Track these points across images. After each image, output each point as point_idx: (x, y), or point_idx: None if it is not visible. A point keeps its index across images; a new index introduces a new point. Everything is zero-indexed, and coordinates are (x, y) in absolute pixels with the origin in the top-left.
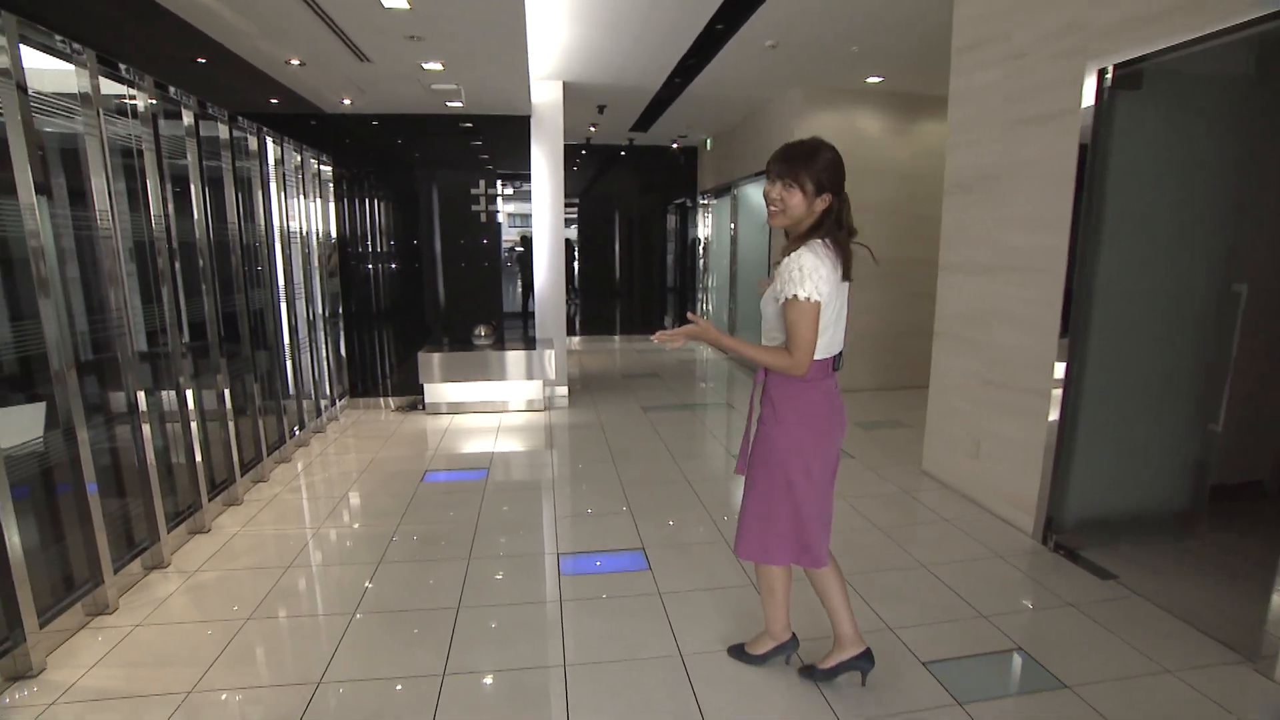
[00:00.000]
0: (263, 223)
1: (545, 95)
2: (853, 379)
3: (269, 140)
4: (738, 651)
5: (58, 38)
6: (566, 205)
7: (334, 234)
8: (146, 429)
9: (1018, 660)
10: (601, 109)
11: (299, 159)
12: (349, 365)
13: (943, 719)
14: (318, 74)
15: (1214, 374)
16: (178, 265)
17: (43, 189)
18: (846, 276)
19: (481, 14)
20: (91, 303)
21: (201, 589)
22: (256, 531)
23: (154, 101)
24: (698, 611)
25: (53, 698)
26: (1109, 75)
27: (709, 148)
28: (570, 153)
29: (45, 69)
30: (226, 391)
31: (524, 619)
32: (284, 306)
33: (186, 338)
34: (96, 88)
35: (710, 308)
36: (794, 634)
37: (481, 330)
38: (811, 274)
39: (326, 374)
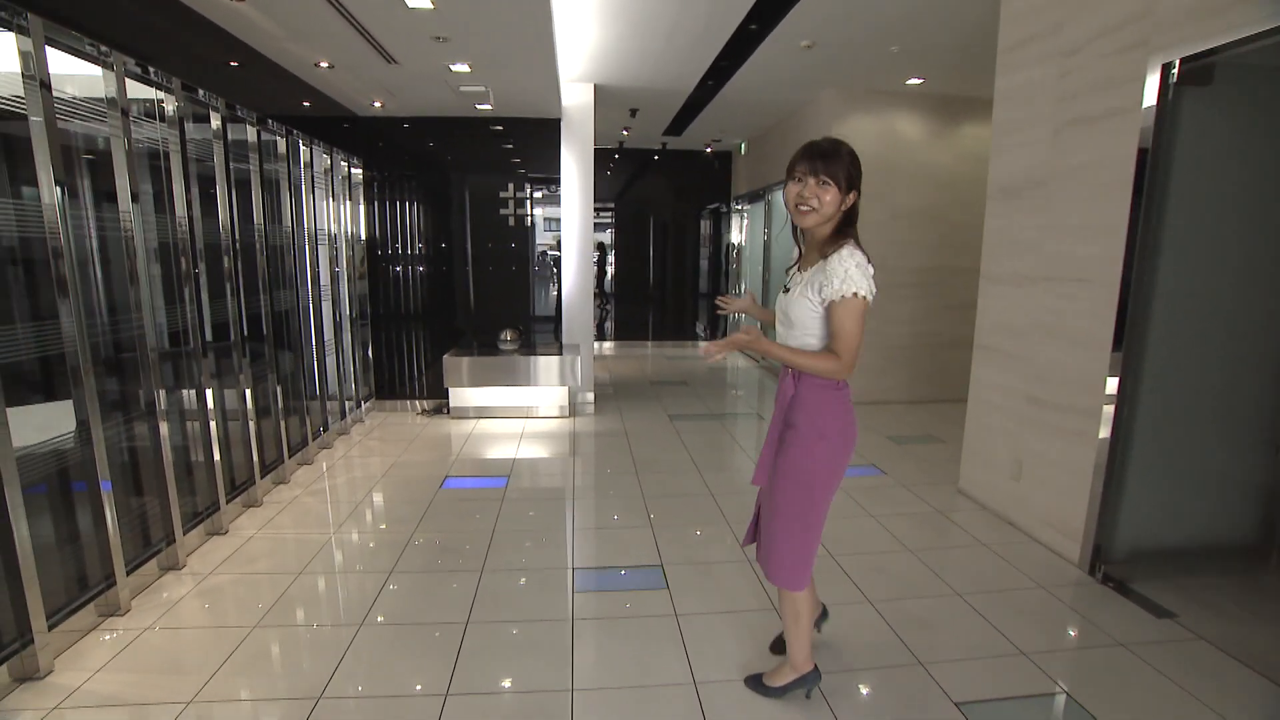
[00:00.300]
0: (291, 224)
1: (576, 98)
2: (885, 391)
3: (300, 143)
4: (755, 683)
5: (86, 41)
6: (601, 209)
7: (364, 236)
8: (164, 428)
9: (1061, 705)
10: (634, 112)
11: (329, 161)
12: (376, 367)
13: None
14: (347, 77)
15: None
16: (201, 266)
17: (67, 188)
18: None
19: (507, 14)
20: (112, 302)
21: (213, 593)
22: (273, 535)
23: (181, 104)
24: (714, 636)
25: (56, 701)
26: (1175, 70)
27: (743, 152)
28: (603, 157)
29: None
30: (248, 392)
31: (534, 637)
32: (310, 308)
33: (209, 337)
34: (123, 90)
35: (741, 316)
36: (816, 666)
37: (507, 335)
38: (865, 272)
39: (352, 376)
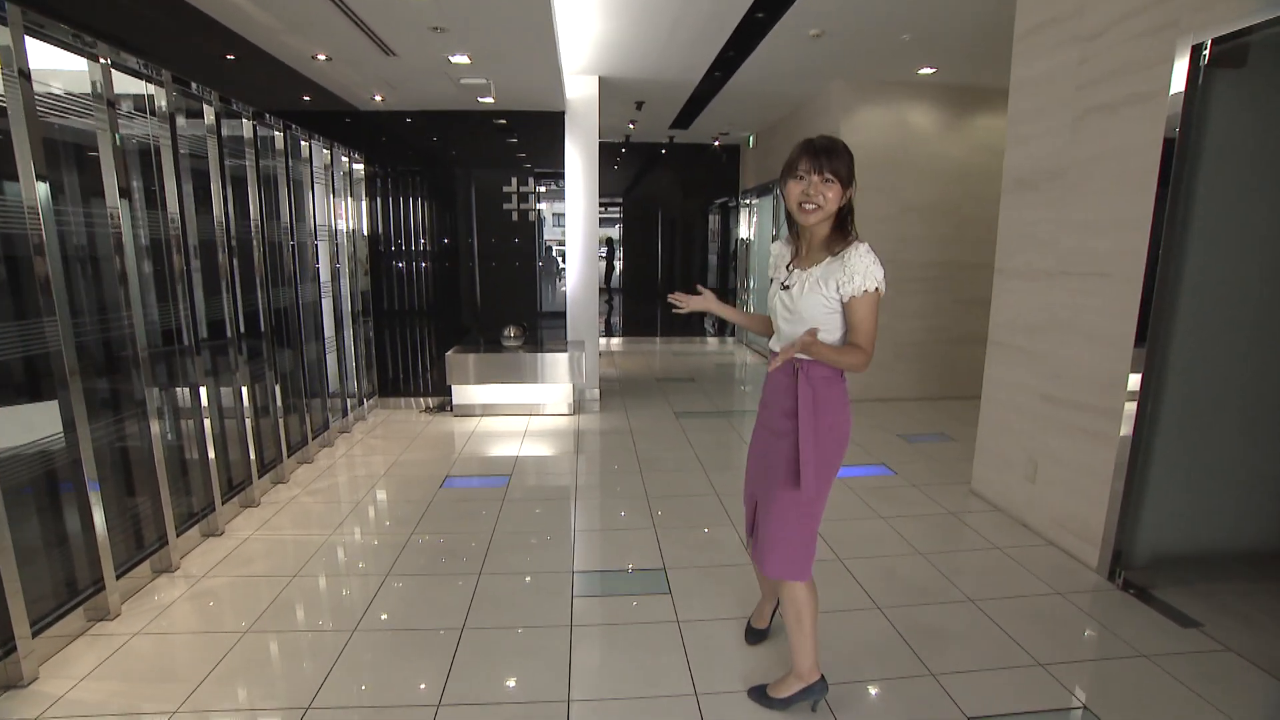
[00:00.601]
0: (290, 220)
1: (580, 91)
2: (895, 388)
3: (299, 138)
4: (759, 695)
5: (69, 31)
6: (609, 204)
7: (366, 232)
8: (155, 428)
9: None
10: (640, 105)
11: (329, 156)
12: (379, 364)
13: None
14: (346, 70)
15: None
16: (195, 263)
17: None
18: None
19: (505, 4)
20: (102, 300)
21: (206, 596)
22: (269, 536)
23: (172, 97)
24: (718, 645)
25: (40, 710)
26: (1205, 52)
27: (751, 146)
28: (610, 151)
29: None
30: (245, 390)
31: (531, 645)
32: (311, 305)
33: (204, 335)
34: (109, 82)
35: (753, 309)
36: (823, 676)
37: (511, 331)
38: (879, 266)
39: (354, 373)
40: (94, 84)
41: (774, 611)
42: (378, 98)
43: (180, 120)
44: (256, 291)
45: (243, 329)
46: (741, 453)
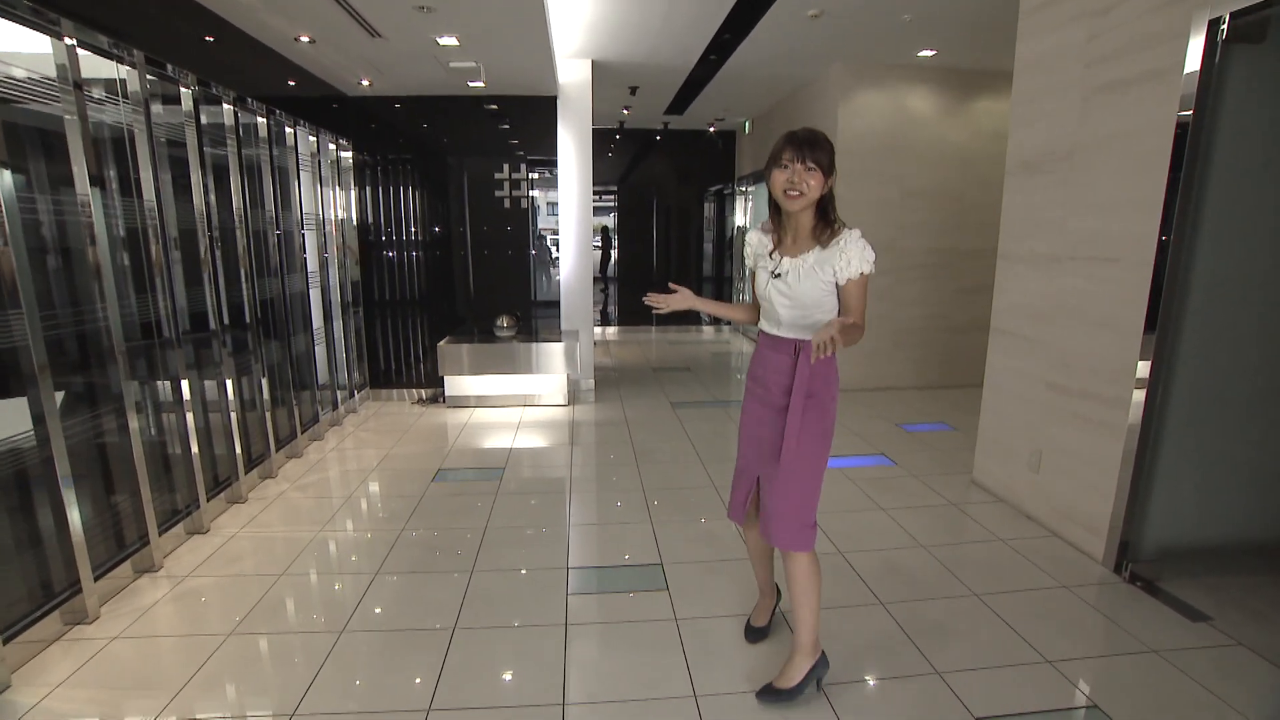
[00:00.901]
0: (274, 209)
1: (572, 75)
2: (894, 376)
3: (284, 124)
4: (769, 694)
5: (27, 3)
6: (604, 193)
7: (355, 220)
8: (134, 423)
9: None
10: (634, 90)
11: (316, 142)
12: (370, 356)
13: None
14: (330, 52)
15: None
16: (175, 254)
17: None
18: None
19: None
20: (76, 292)
21: (189, 597)
22: (256, 533)
23: (145, 79)
24: (718, 643)
25: None
26: (1223, 26)
27: (747, 131)
28: (604, 138)
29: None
30: (229, 383)
31: (524, 645)
32: (299, 295)
33: (186, 327)
34: (75, 62)
35: (748, 298)
36: (823, 651)
37: (504, 321)
38: (870, 251)
39: (345, 364)
40: (60, 66)
41: (774, 609)
42: (365, 82)
43: (157, 107)
44: (241, 282)
45: (227, 321)
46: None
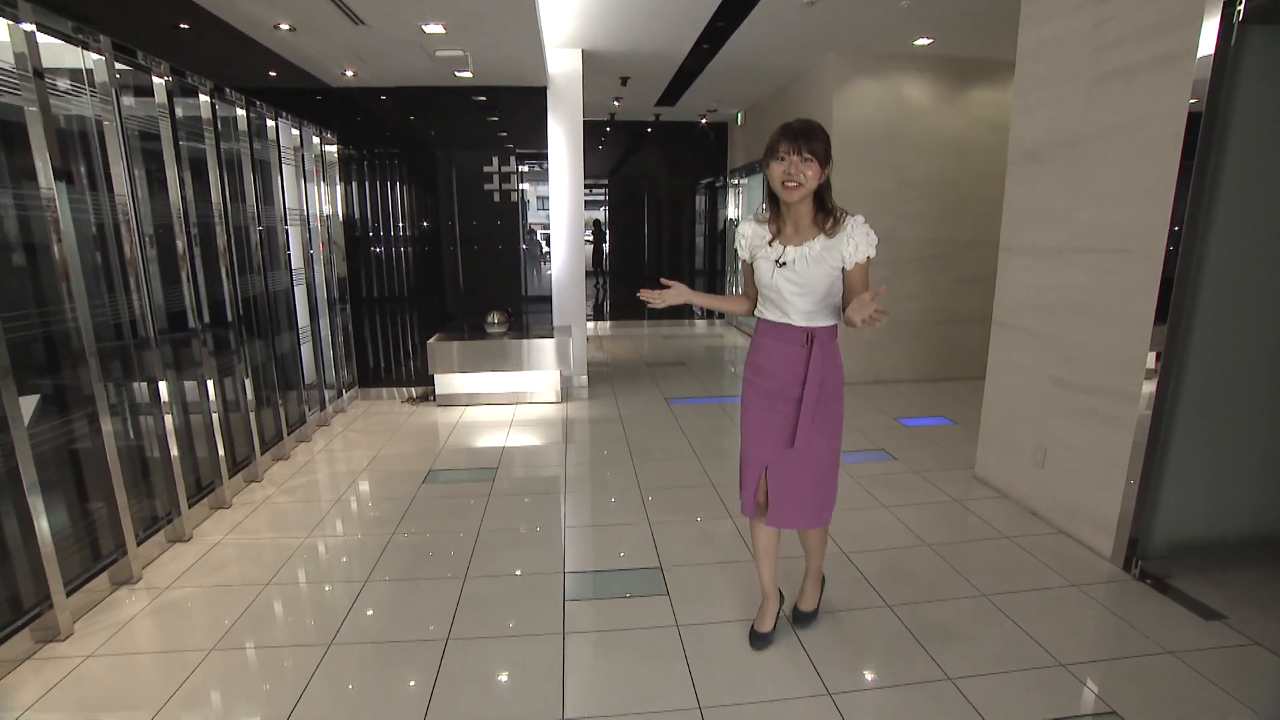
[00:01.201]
0: (255, 204)
1: (562, 65)
2: (891, 369)
3: (265, 116)
4: (799, 618)
5: None
6: (594, 186)
7: (341, 215)
8: (107, 426)
9: None
10: (625, 81)
11: (299, 135)
12: (358, 354)
13: None
14: (312, 41)
15: None
16: (151, 251)
17: None
18: None
19: None
20: (42, 292)
21: (169, 610)
22: (240, 541)
23: (113, 67)
24: (721, 651)
25: None
26: (1240, 7)
27: (740, 123)
28: (594, 130)
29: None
30: (211, 384)
31: (521, 656)
32: (283, 293)
33: (163, 327)
34: (35, 49)
35: (737, 290)
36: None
37: (495, 317)
38: (874, 235)
39: (332, 363)
40: (18, 54)
41: (779, 612)
42: (349, 73)
43: (129, 99)
44: (222, 280)
45: (207, 319)
46: (734, 440)
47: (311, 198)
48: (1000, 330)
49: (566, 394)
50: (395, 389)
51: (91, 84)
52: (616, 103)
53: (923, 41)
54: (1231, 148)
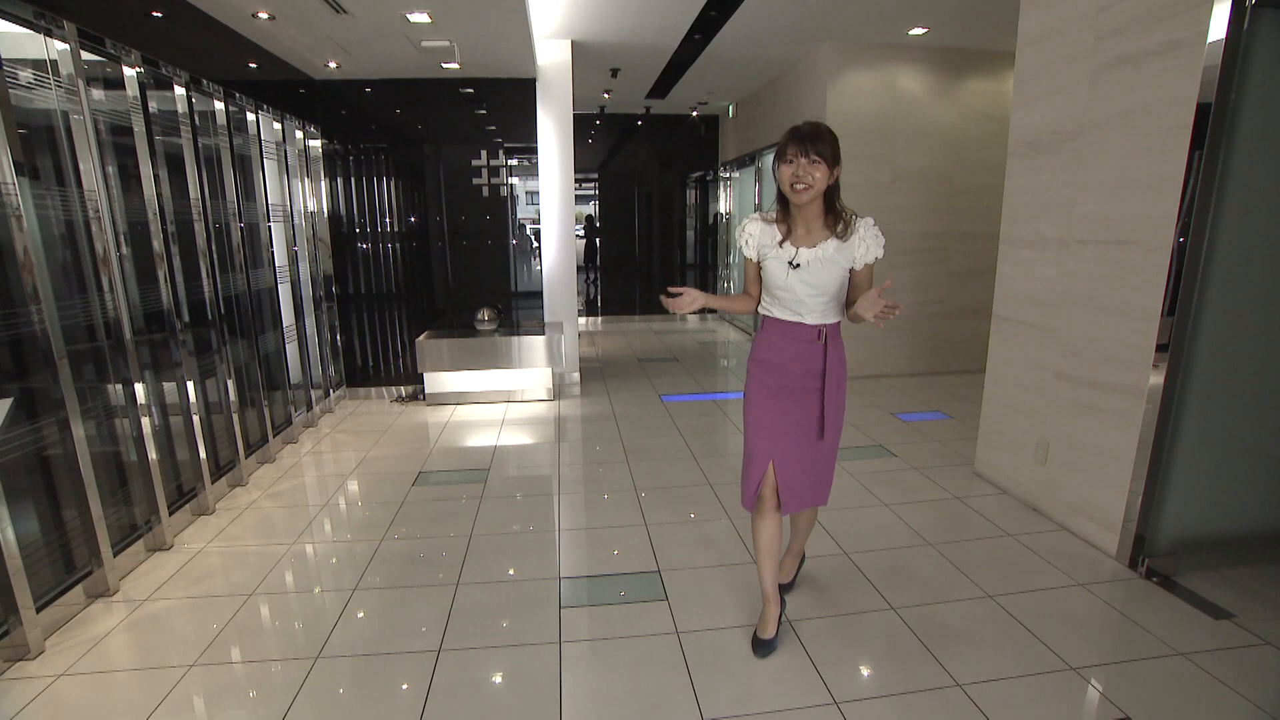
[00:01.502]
0: (236, 200)
1: (551, 56)
2: (885, 364)
3: (246, 109)
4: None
5: None
6: (584, 180)
7: (325, 211)
8: (78, 432)
9: None
10: (615, 73)
11: (281, 129)
12: (345, 353)
13: None
14: (293, 31)
15: None
16: (125, 249)
17: None
18: None
19: None
20: (8, 292)
21: (147, 624)
22: (223, 549)
23: (78, 55)
24: (723, 659)
25: None
26: None
27: (731, 115)
28: (584, 123)
29: None
30: (191, 386)
31: (515, 667)
32: (267, 291)
33: (139, 328)
34: None
35: (732, 285)
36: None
37: (485, 314)
38: (882, 237)
39: (319, 363)
40: None
41: (781, 617)
42: (332, 65)
43: (99, 92)
44: (201, 278)
45: (187, 319)
46: (730, 437)
47: (295, 193)
48: (1000, 324)
49: (558, 392)
50: (384, 388)
51: (56, 74)
52: (606, 95)
53: (917, 31)
54: (1242, 136)
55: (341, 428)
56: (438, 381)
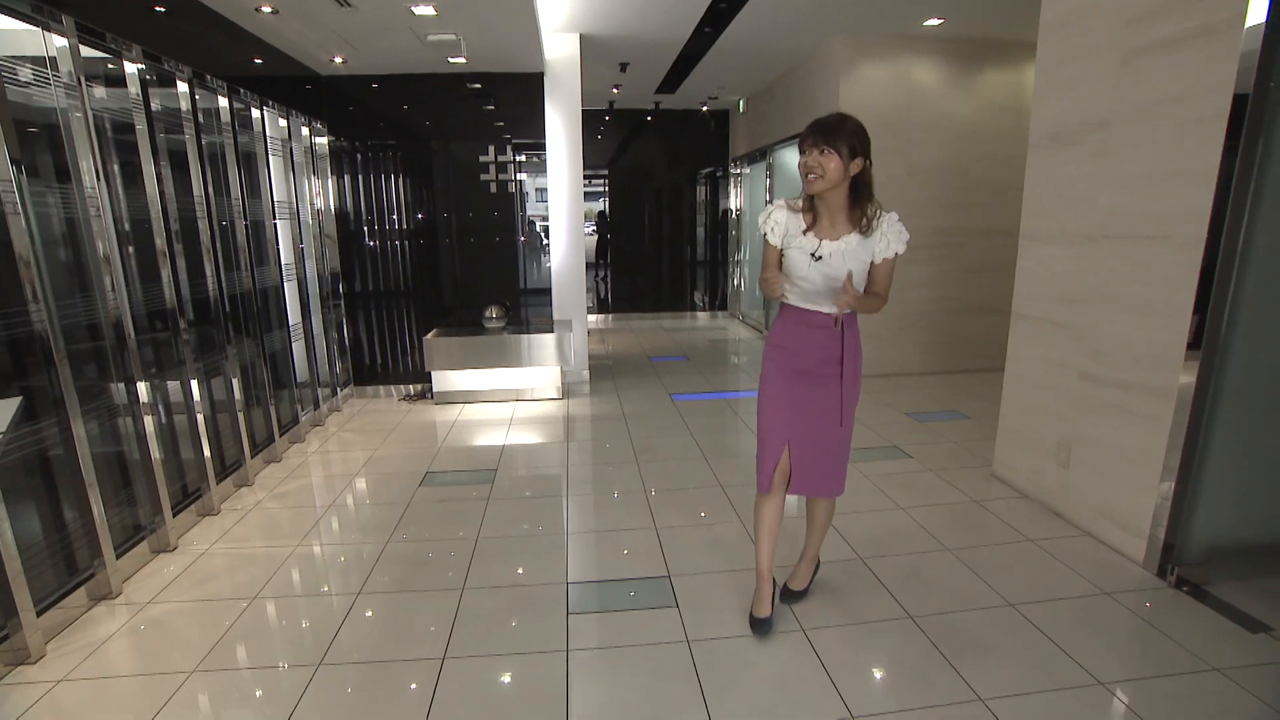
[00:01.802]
0: (241, 197)
1: (560, 50)
2: (899, 362)
3: (250, 105)
4: (789, 595)
5: None
6: (594, 177)
7: (332, 208)
8: (79, 431)
9: None
10: (624, 67)
11: (287, 125)
12: (353, 351)
13: None
14: (297, 25)
15: None
16: (129, 248)
17: None
18: None
19: None
20: (5, 290)
21: (149, 628)
22: (228, 550)
23: (77, 50)
24: (734, 667)
25: None
26: None
27: (742, 110)
28: (593, 119)
29: None
30: (195, 385)
31: (521, 676)
32: (271, 289)
33: (145, 325)
34: None
35: (744, 283)
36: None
37: (493, 312)
38: (906, 233)
39: (326, 361)
40: None
41: (774, 595)
42: (338, 60)
43: (99, 89)
44: (206, 276)
45: (191, 317)
46: (742, 437)
47: (301, 190)
48: (1020, 322)
49: (567, 390)
50: (392, 386)
51: (55, 70)
52: (616, 90)
53: (933, 22)
54: None
55: (349, 427)
56: (446, 380)
